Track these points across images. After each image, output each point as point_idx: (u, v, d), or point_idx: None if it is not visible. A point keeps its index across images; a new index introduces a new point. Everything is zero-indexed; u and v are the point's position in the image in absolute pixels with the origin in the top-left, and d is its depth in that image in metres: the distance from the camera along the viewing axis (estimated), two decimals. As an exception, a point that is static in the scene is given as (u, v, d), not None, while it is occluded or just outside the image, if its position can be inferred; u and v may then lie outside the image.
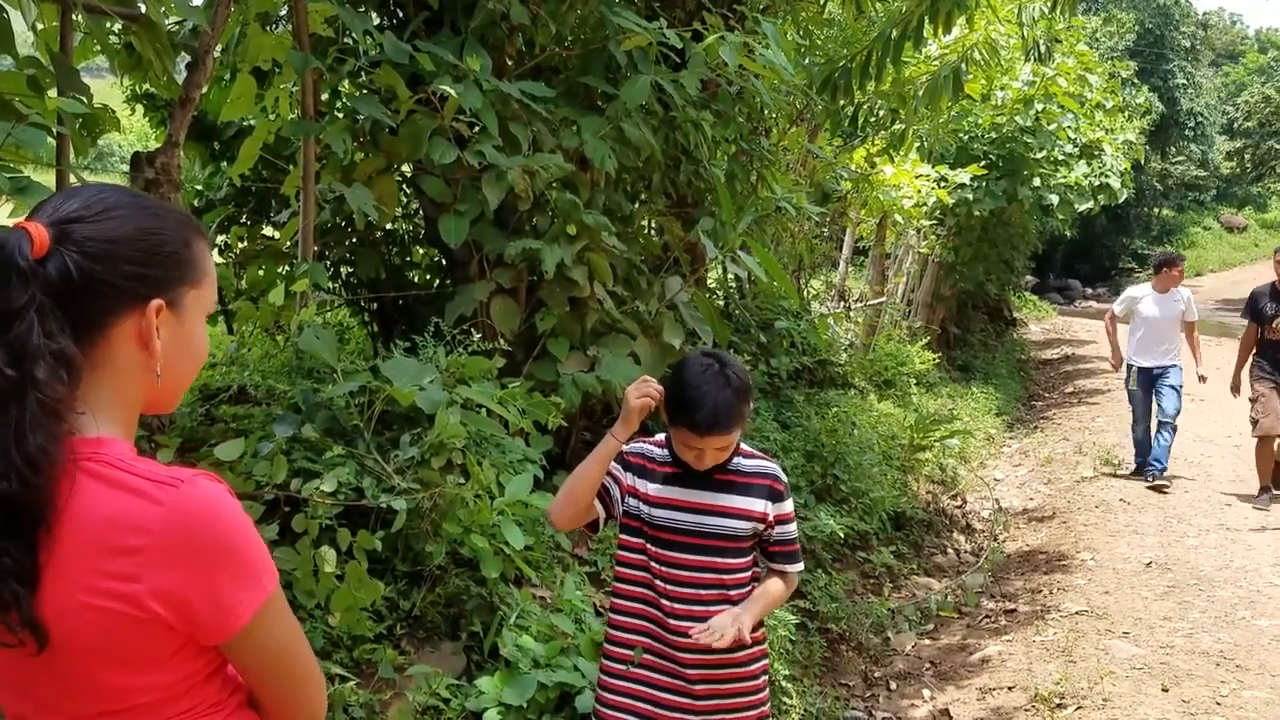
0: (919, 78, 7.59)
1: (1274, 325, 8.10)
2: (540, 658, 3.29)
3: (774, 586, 2.60)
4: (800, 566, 2.64)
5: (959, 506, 8.76)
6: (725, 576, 2.56)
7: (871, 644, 5.72)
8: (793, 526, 2.62)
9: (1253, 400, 8.19)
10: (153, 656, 1.22)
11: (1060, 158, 13.41)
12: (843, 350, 9.81)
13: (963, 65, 7.24)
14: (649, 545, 2.57)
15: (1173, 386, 8.82)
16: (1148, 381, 8.95)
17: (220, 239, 4.67)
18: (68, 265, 1.19)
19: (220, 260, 4.59)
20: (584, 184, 4.57)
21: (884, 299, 12.29)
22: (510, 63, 4.71)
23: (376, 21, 4.65)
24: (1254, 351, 8.32)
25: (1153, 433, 8.94)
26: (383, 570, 3.42)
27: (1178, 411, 8.80)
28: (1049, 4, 7.73)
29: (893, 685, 5.28)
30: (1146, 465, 8.91)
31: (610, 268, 4.52)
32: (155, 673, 1.23)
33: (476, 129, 4.07)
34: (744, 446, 2.57)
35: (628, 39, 4.45)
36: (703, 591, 2.55)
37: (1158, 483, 8.60)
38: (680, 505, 2.54)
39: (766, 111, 6.30)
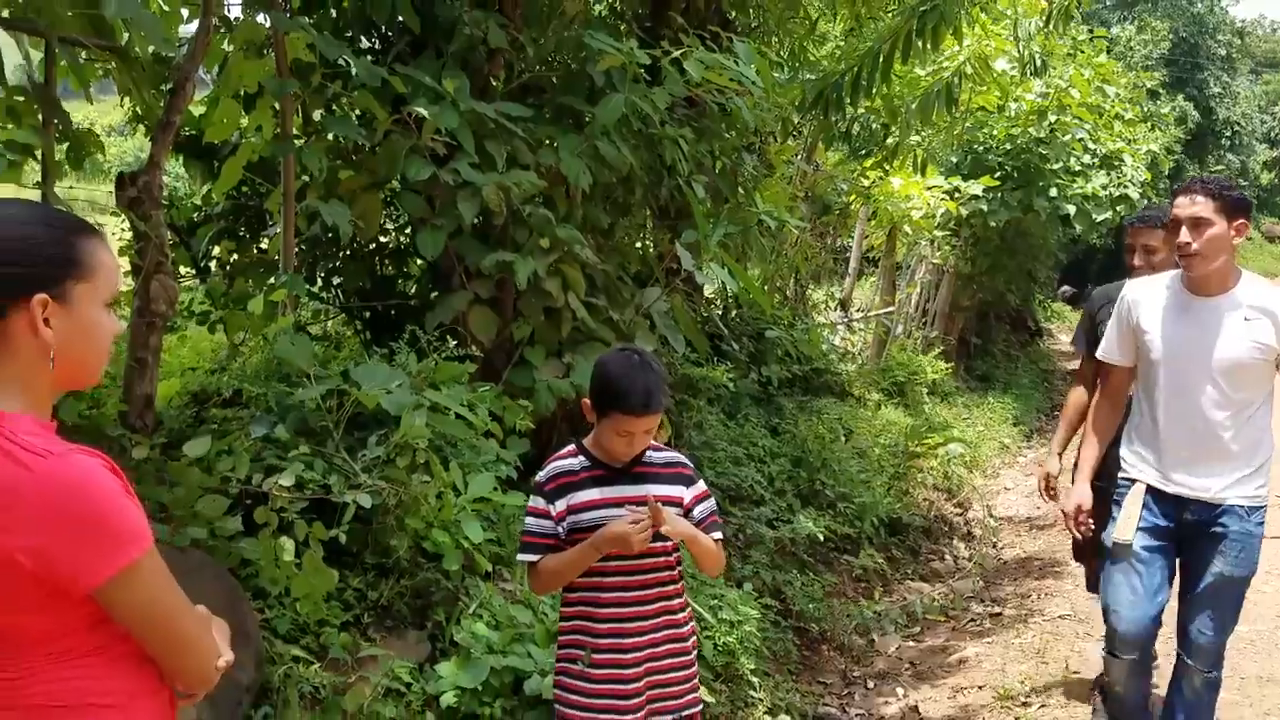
0: (914, 93, 7.74)
1: None
2: (494, 644, 3.50)
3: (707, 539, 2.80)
4: (720, 535, 2.86)
5: (960, 514, 8.83)
6: (658, 559, 2.77)
7: (855, 645, 5.84)
8: (710, 502, 2.86)
9: None
10: (24, 603, 1.43)
11: (1077, 168, 13.39)
12: (842, 360, 9.92)
13: (955, 80, 7.40)
14: None
15: (1239, 562, 3.47)
16: (1168, 528, 3.58)
17: (215, 251, 4.96)
18: None
19: (216, 272, 4.90)
20: (562, 199, 4.79)
21: (892, 309, 12.38)
22: (496, 83, 4.94)
23: (365, 45, 4.90)
24: None
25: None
26: (353, 562, 3.64)
27: (1222, 640, 3.67)
28: (1044, 19, 7.88)
29: (870, 684, 5.41)
30: None
31: (589, 278, 4.73)
32: (29, 615, 1.45)
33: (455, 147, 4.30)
34: (650, 440, 2.77)
35: (603, 60, 4.67)
36: (637, 577, 2.76)
37: None
38: (612, 502, 2.73)
39: (755, 127, 6.47)
